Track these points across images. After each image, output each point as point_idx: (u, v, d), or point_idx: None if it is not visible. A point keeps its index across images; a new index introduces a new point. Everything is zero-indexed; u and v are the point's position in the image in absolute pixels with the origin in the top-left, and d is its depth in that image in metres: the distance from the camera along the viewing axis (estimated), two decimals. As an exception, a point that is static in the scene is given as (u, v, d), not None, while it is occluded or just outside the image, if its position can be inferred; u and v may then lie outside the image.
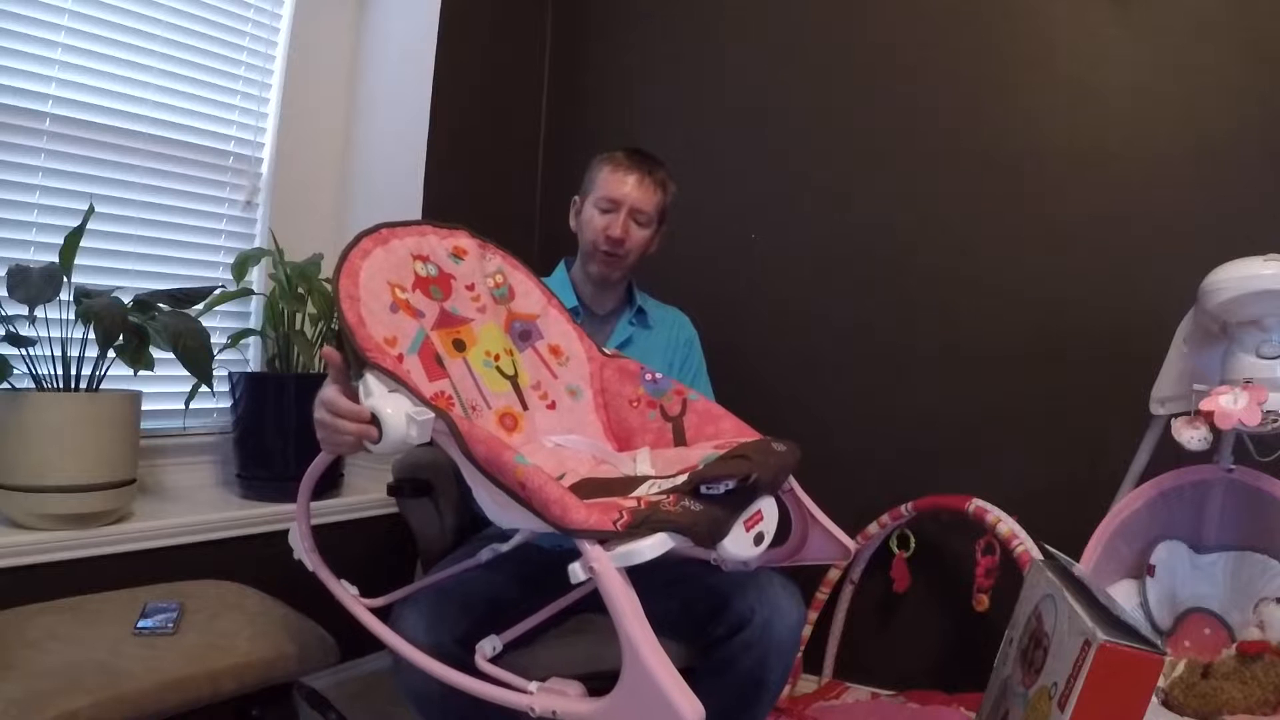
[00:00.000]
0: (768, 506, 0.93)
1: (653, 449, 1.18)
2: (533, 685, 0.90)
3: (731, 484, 0.89)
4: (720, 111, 2.16)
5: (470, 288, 1.20)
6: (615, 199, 1.50)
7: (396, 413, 0.91)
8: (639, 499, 0.91)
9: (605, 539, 0.84)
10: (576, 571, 0.83)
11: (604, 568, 0.82)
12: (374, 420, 0.92)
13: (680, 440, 1.18)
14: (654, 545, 0.84)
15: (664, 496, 0.90)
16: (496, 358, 1.19)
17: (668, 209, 1.57)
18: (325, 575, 1.14)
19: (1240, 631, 1.39)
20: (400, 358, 1.01)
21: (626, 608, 0.81)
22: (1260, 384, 1.27)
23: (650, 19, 2.28)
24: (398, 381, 0.94)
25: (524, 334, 1.26)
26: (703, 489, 0.89)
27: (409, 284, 1.10)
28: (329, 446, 1.05)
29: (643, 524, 0.85)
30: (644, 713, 0.79)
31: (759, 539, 0.91)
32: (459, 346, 1.14)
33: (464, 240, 1.23)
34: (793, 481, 1.13)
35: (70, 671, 1.02)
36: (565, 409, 1.24)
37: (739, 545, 0.89)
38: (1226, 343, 1.36)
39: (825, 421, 1.97)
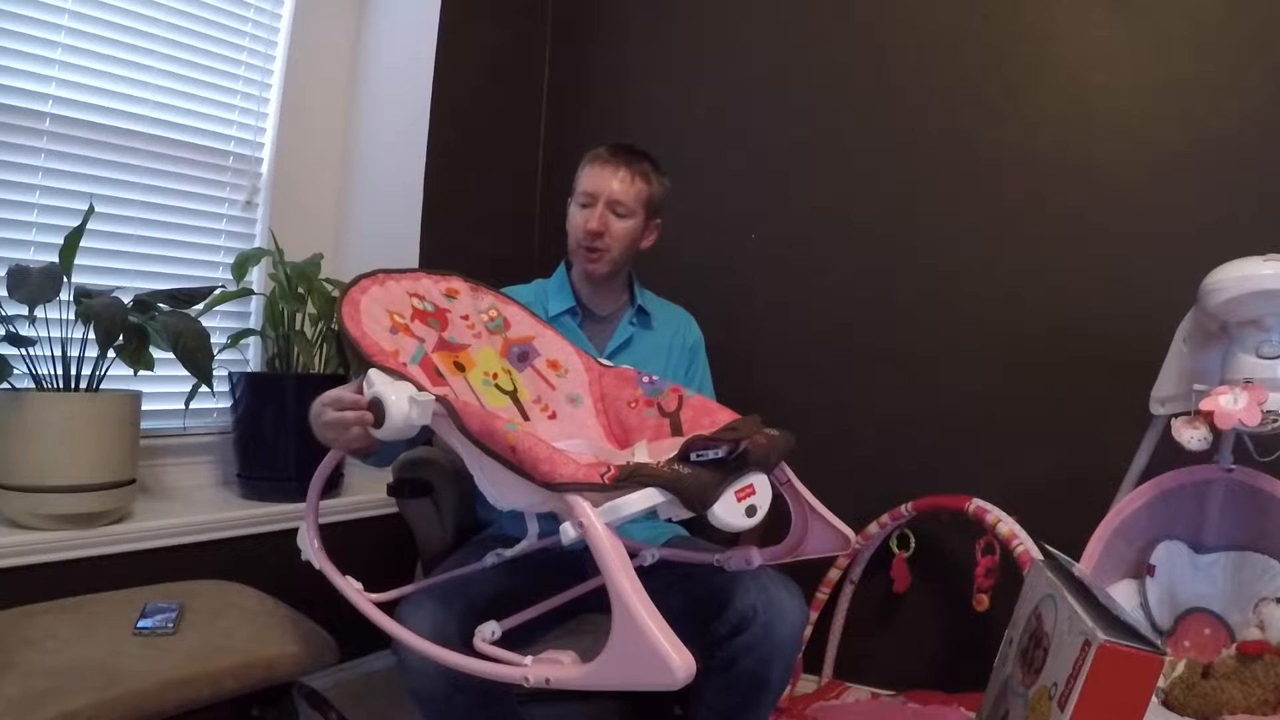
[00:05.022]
0: (760, 482, 0.93)
1: (650, 442, 1.18)
2: (527, 658, 0.91)
3: (720, 451, 0.90)
4: (720, 112, 2.16)
5: (465, 318, 1.25)
6: (592, 192, 1.49)
7: (400, 397, 0.94)
8: (628, 460, 0.93)
9: (592, 496, 0.85)
10: (568, 530, 0.85)
11: (592, 523, 0.84)
12: (377, 406, 0.95)
13: (678, 433, 1.18)
14: (641, 499, 0.85)
15: (654, 462, 0.92)
16: (495, 376, 1.22)
17: (655, 201, 1.55)
18: (331, 573, 1.15)
19: (1240, 631, 1.39)
20: (404, 365, 1.04)
21: (615, 563, 0.82)
22: (1260, 384, 1.27)
23: (650, 19, 2.28)
24: (401, 375, 0.98)
25: (521, 355, 1.29)
26: (693, 456, 0.90)
27: (407, 314, 1.16)
28: (338, 443, 1.07)
29: (630, 478, 0.87)
30: (635, 666, 0.80)
31: (751, 511, 0.91)
32: (459, 368, 1.17)
33: (456, 283, 1.29)
34: (791, 475, 1.14)
35: (70, 671, 1.02)
36: (566, 416, 1.26)
37: (730, 513, 0.89)
38: (1226, 343, 1.36)
39: (825, 421, 1.97)
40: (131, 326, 1.39)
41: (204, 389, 1.48)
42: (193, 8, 1.77)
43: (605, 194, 1.49)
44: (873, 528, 1.84)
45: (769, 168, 2.10)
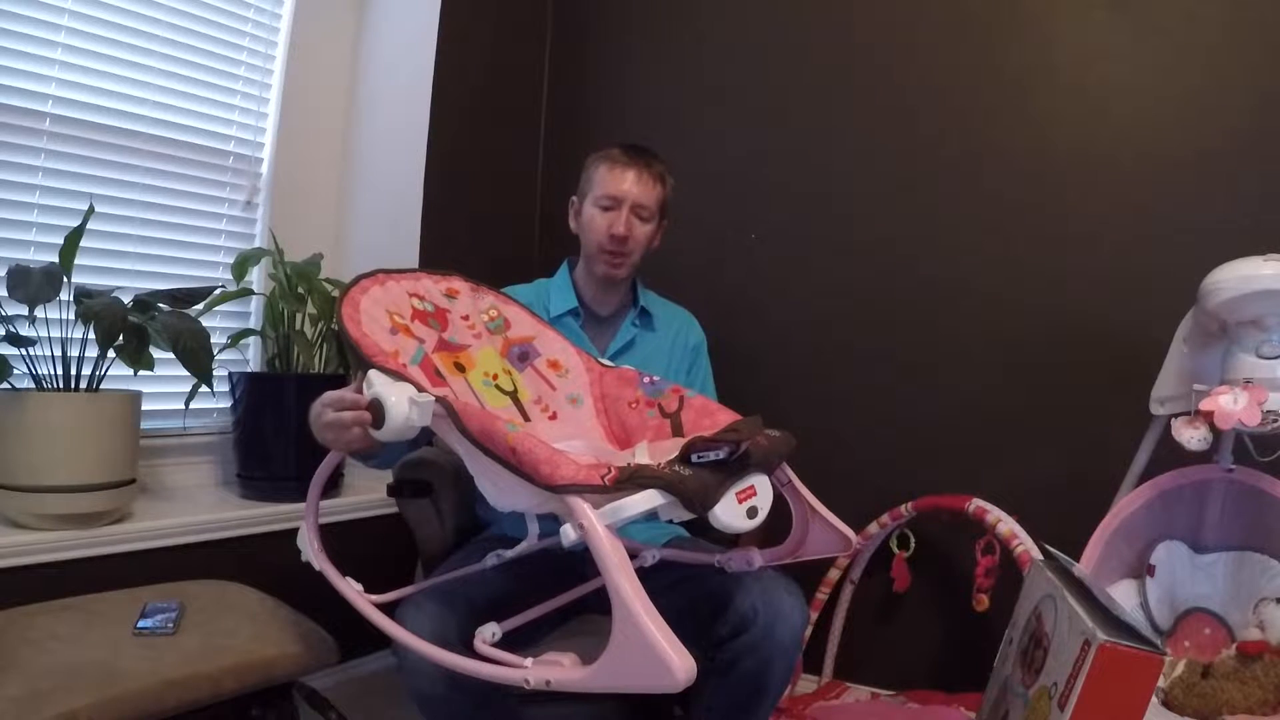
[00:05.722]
0: (761, 484, 0.93)
1: (651, 443, 1.18)
2: (528, 660, 0.91)
3: (721, 453, 0.90)
4: (720, 111, 2.16)
5: (465, 318, 1.25)
6: (616, 196, 1.48)
7: (400, 398, 0.94)
8: (629, 462, 0.93)
9: (593, 498, 0.86)
10: (568, 532, 0.86)
11: (592, 524, 0.84)
12: (376, 407, 0.95)
13: (678, 433, 1.18)
14: (641, 500, 0.85)
15: (655, 464, 0.92)
16: (495, 377, 1.22)
17: (668, 203, 1.56)
18: (332, 574, 1.15)
19: (1240, 631, 1.39)
20: (404, 366, 1.04)
21: (615, 564, 0.82)
22: (1260, 384, 1.27)
23: (650, 19, 2.28)
24: (401, 376, 0.97)
25: (522, 355, 1.29)
26: (693, 457, 0.90)
27: (407, 314, 1.16)
28: (337, 444, 1.07)
29: (630, 479, 0.87)
30: (635, 668, 0.80)
31: (752, 512, 0.91)
32: (459, 368, 1.17)
33: (457, 283, 1.29)
34: (792, 475, 1.14)
35: (70, 671, 1.02)
36: (566, 417, 1.26)
37: (731, 514, 0.89)
38: (1226, 343, 1.36)
39: (826, 422, 1.97)
40: (131, 326, 1.39)
41: (204, 389, 1.48)
42: (193, 8, 1.77)
43: (630, 198, 1.48)
44: (873, 528, 1.84)
45: (769, 168, 2.10)
